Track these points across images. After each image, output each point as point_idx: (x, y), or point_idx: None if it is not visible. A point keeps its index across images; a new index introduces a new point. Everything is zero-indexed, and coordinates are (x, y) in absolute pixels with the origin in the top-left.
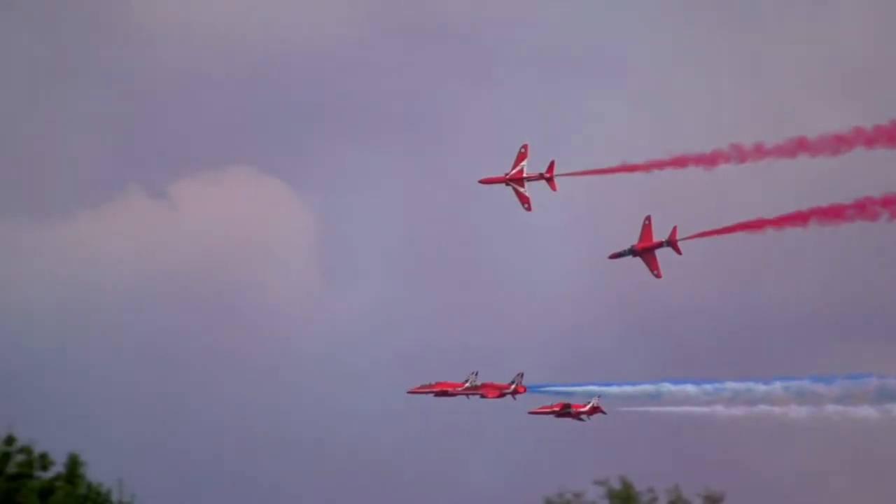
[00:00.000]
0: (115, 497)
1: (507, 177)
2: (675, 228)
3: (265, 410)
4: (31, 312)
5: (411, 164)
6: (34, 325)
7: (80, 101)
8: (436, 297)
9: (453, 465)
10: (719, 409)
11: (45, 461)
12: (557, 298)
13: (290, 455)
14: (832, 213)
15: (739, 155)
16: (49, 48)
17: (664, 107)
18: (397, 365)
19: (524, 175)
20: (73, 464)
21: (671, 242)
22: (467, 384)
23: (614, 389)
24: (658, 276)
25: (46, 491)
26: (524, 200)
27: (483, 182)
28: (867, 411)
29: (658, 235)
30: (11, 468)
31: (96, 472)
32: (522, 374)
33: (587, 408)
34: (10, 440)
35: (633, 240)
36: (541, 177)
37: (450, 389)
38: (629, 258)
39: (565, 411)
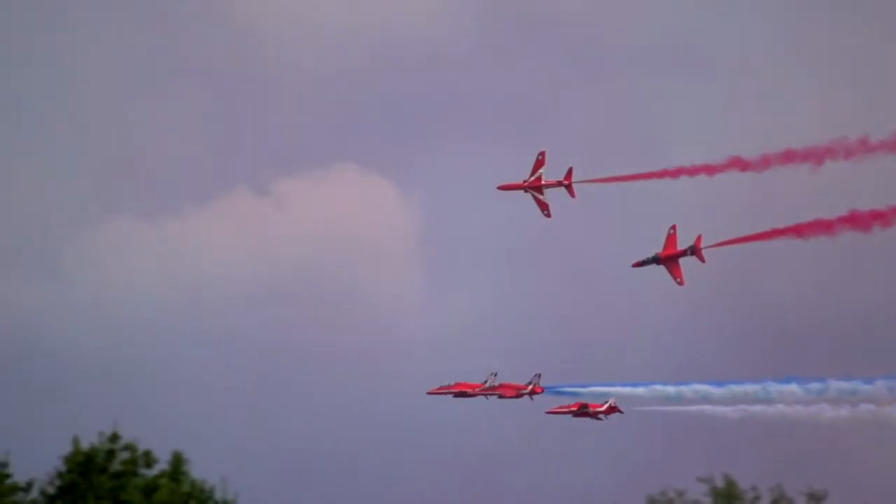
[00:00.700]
0: (218, 494)
1: (526, 184)
2: (699, 237)
3: (368, 408)
4: (138, 310)
5: (516, 161)
6: (141, 322)
7: (187, 99)
8: (537, 295)
9: (553, 463)
10: (825, 407)
11: (149, 459)
12: (659, 298)
13: (395, 452)
14: None
15: (854, 150)
16: (157, 47)
17: (774, 102)
18: (499, 362)
19: (542, 182)
20: (177, 461)
21: (695, 250)
22: (486, 385)
23: (719, 390)
24: (681, 283)
25: (150, 488)
26: (543, 207)
27: (501, 188)
28: None
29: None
30: (116, 466)
31: (200, 470)
32: (540, 375)
33: (604, 407)
34: (114, 438)
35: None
36: (559, 184)
37: (469, 390)
38: (653, 266)
39: (583, 411)
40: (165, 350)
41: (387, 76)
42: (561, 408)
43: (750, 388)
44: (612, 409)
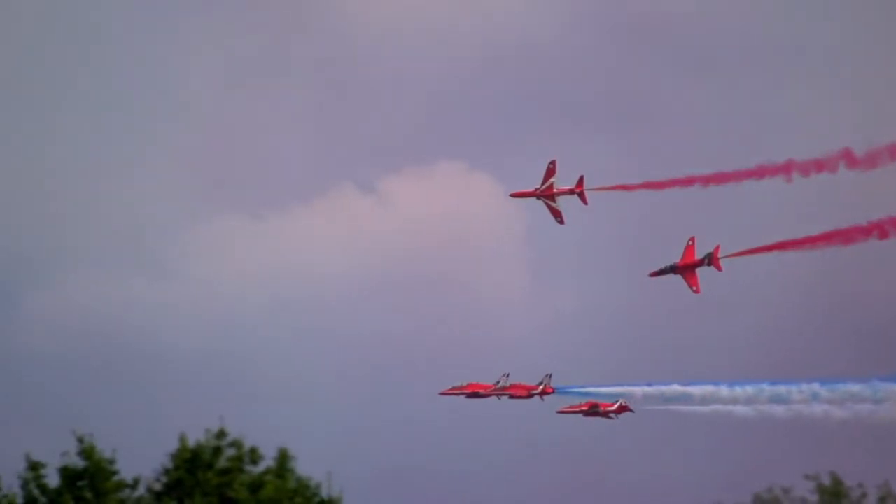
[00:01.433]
0: (324, 491)
1: (538, 192)
2: (717, 247)
3: (472, 405)
4: (244, 307)
5: (621, 159)
6: (247, 319)
7: (292, 97)
8: (641, 296)
9: (656, 463)
10: None
11: (255, 455)
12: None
13: (499, 449)
14: None
15: None
16: (261, 45)
17: (880, 99)
18: (602, 362)
19: (554, 190)
20: (283, 458)
21: (712, 260)
22: (498, 385)
23: (816, 387)
24: (697, 291)
25: (256, 485)
26: (556, 214)
27: (514, 196)
28: None
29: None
30: (222, 462)
31: (306, 466)
32: (550, 376)
33: (615, 406)
34: (221, 434)
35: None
36: (571, 192)
37: (481, 390)
38: (670, 275)
39: (593, 411)
40: (271, 347)
41: (494, 74)
42: (572, 407)
43: (856, 387)
44: (623, 409)
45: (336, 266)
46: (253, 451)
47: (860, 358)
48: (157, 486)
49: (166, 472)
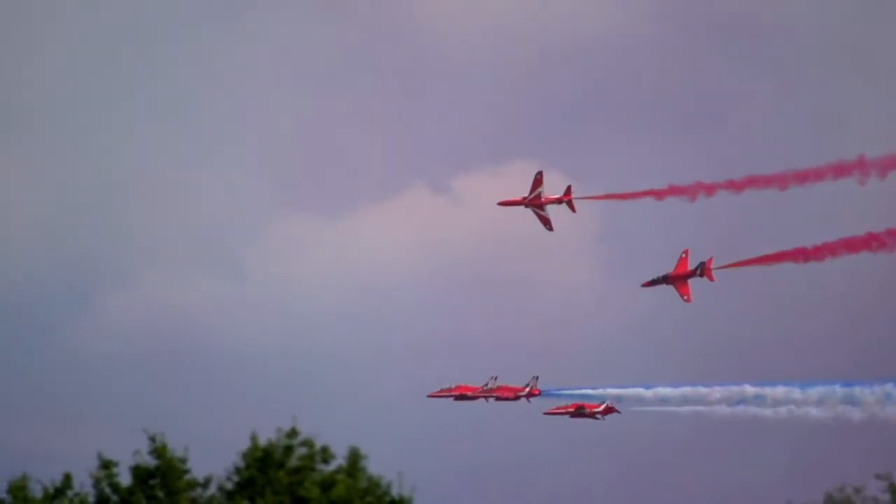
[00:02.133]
0: (395, 490)
1: (526, 200)
2: (710, 259)
3: (532, 409)
4: (315, 307)
5: (693, 157)
6: (319, 319)
7: (366, 97)
8: (714, 293)
9: (725, 462)
10: None
11: (326, 454)
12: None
13: (569, 446)
14: None
15: None
16: (334, 45)
17: None
18: (676, 359)
19: (542, 199)
20: (355, 457)
21: (704, 270)
22: (485, 387)
23: (889, 388)
24: (688, 300)
25: (328, 484)
26: (545, 222)
27: (501, 204)
28: None
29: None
30: (294, 461)
31: (377, 465)
32: (537, 378)
33: (601, 408)
34: (292, 433)
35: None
36: (559, 200)
37: (469, 392)
38: (662, 285)
39: (580, 412)
40: (343, 346)
41: (566, 73)
42: (558, 408)
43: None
44: (609, 410)
45: (409, 266)
46: (324, 450)
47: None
48: (229, 485)
49: (238, 470)
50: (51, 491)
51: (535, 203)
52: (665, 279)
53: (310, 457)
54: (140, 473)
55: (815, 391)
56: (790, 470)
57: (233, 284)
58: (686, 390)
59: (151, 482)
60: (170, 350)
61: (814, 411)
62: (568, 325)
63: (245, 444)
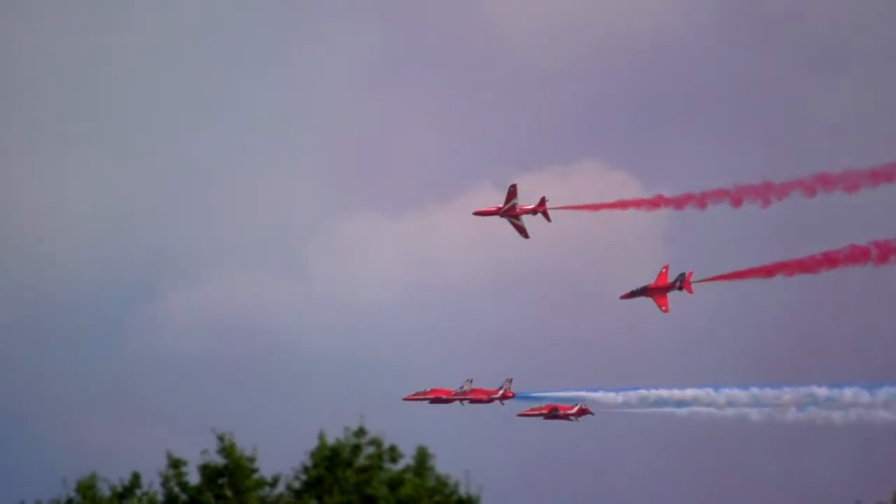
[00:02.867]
0: (462, 489)
1: (500, 211)
2: (690, 273)
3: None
4: (381, 305)
5: (763, 156)
6: (384, 317)
7: (430, 96)
8: (790, 292)
9: (802, 462)
10: None
11: (394, 453)
12: None
13: (645, 448)
14: None
15: None
16: (402, 44)
17: None
18: (748, 361)
19: (517, 210)
20: (422, 456)
21: (683, 283)
22: (460, 389)
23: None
24: (665, 311)
25: (395, 483)
26: (520, 230)
27: (476, 214)
28: None
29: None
30: (361, 460)
31: (444, 464)
32: (511, 380)
33: (575, 409)
34: (360, 432)
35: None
36: (534, 211)
37: (443, 395)
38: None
39: (553, 413)
40: (409, 344)
41: (631, 72)
42: (532, 410)
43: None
44: (583, 412)
45: (473, 265)
46: (392, 449)
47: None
48: (297, 484)
49: (306, 469)
50: (119, 490)
51: (510, 213)
52: (644, 291)
53: (377, 456)
54: (209, 472)
55: (884, 392)
56: (860, 469)
57: (298, 283)
58: (755, 391)
59: (220, 481)
60: (238, 349)
61: (882, 413)
62: (633, 326)
63: (313, 444)
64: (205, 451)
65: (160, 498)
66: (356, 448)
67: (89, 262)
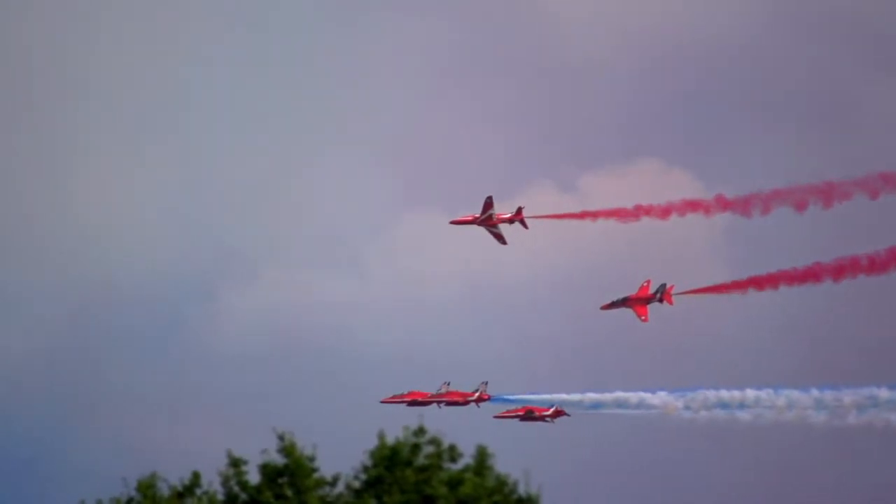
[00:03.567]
0: (521, 489)
1: (477, 220)
2: (671, 286)
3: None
4: (440, 304)
5: (819, 154)
6: (444, 316)
7: (490, 94)
8: (840, 292)
9: (848, 462)
10: None
11: (453, 453)
12: None
13: (693, 446)
14: None
15: None
16: (461, 42)
17: None
18: (802, 358)
19: (494, 220)
20: (482, 455)
21: (664, 295)
22: (437, 392)
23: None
24: (644, 320)
25: (455, 482)
26: (497, 237)
27: (453, 223)
28: None
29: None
30: (421, 460)
31: (504, 464)
32: (486, 383)
33: (551, 411)
34: (420, 432)
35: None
36: (511, 220)
37: (420, 398)
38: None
39: (529, 415)
40: (467, 344)
41: (691, 71)
42: (508, 412)
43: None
44: (559, 413)
45: (534, 264)
46: (451, 448)
47: None
48: (357, 484)
49: (365, 469)
50: (179, 489)
51: (487, 223)
52: (624, 302)
53: (437, 455)
54: (269, 472)
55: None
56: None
57: (357, 283)
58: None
59: (280, 480)
60: (297, 347)
61: None
62: (694, 327)
63: (372, 443)
64: (265, 451)
65: (220, 497)
66: (415, 447)
67: (152, 261)
